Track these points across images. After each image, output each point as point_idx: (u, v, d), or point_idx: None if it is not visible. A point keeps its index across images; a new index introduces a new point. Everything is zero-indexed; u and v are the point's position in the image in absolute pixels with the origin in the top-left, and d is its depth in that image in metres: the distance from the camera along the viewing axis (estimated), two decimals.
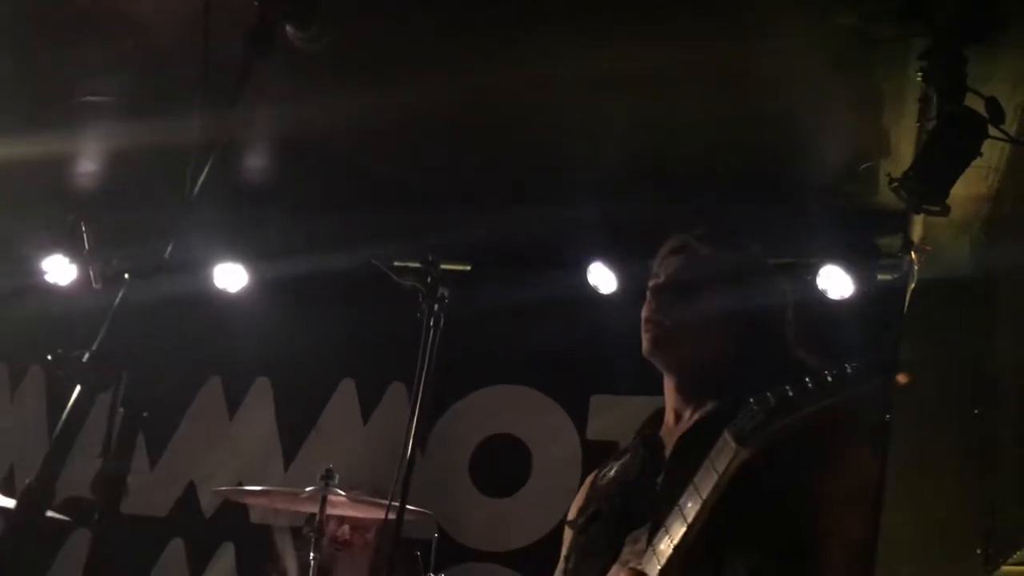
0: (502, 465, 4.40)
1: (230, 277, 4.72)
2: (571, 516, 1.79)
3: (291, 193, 4.27)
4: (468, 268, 2.83)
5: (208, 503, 4.78)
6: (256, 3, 1.33)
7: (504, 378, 4.49)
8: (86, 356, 1.15)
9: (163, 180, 4.23)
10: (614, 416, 4.15)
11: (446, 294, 2.58)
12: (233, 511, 4.67)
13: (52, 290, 4.93)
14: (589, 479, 1.85)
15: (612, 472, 1.77)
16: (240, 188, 4.19)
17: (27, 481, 1.08)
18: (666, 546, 1.39)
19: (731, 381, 1.54)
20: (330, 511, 2.78)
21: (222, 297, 4.73)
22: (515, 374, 4.45)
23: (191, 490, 4.80)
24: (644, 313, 1.67)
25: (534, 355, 4.30)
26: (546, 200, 3.74)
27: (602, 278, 4.19)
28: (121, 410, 1.45)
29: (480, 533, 4.26)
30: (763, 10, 2.72)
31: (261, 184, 4.29)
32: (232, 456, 4.79)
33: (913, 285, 3.85)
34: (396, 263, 2.93)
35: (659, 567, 1.38)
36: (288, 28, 1.34)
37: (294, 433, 4.78)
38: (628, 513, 1.59)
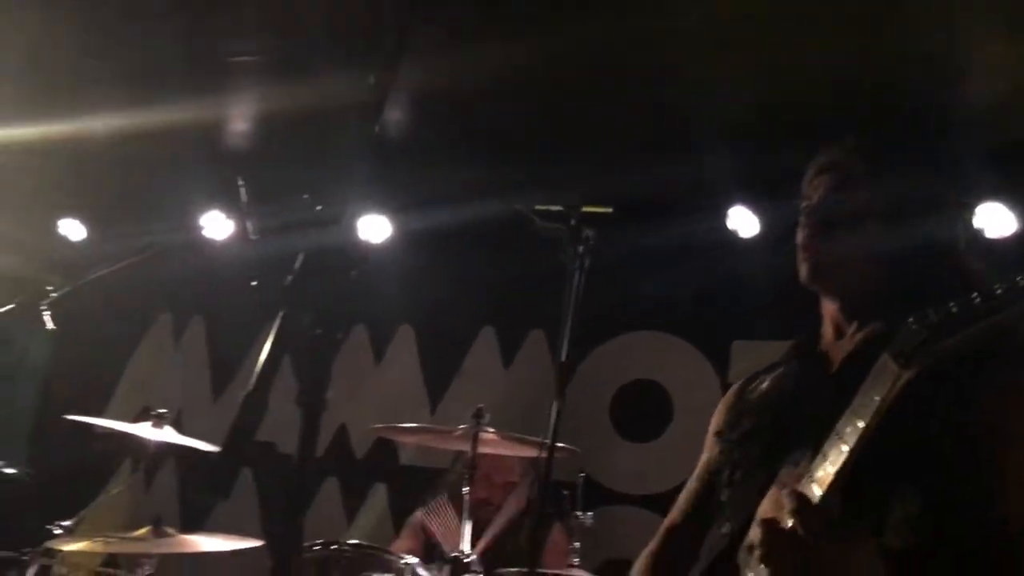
0: (643, 410, 4.43)
1: (374, 228, 4.88)
2: (718, 428, 1.72)
3: (433, 144, 4.36)
4: (610, 211, 2.83)
5: (359, 445, 5.00)
6: None
7: (645, 324, 4.51)
8: (287, 280, 1.21)
9: (312, 136, 4.43)
10: (755, 362, 4.11)
11: (590, 235, 2.60)
12: (383, 453, 4.89)
13: (210, 244, 5.21)
14: (734, 390, 1.76)
15: (765, 385, 1.67)
16: (384, 140, 4.30)
17: (242, 393, 1.14)
18: (825, 473, 1.29)
19: (899, 304, 1.36)
20: (481, 450, 2.88)
21: (367, 248, 4.89)
22: (656, 320, 4.46)
23: (343, 432, 5.03)
24: (799, 239, 1.57)
25: (675, 301, 4.29)
26: (686, 144, 3.70)
27: (743, 222, 4.13)
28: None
29: (622, 477, 4.32)
30: None
31: (404, 136, 4.40)
32: (380, 401, 5.00)
33: None
34: (538, 207, 2.97)
35: (820, 493, 1.29)
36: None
37: (438, 379, 4.94)
38: (785, 431, 1.48)
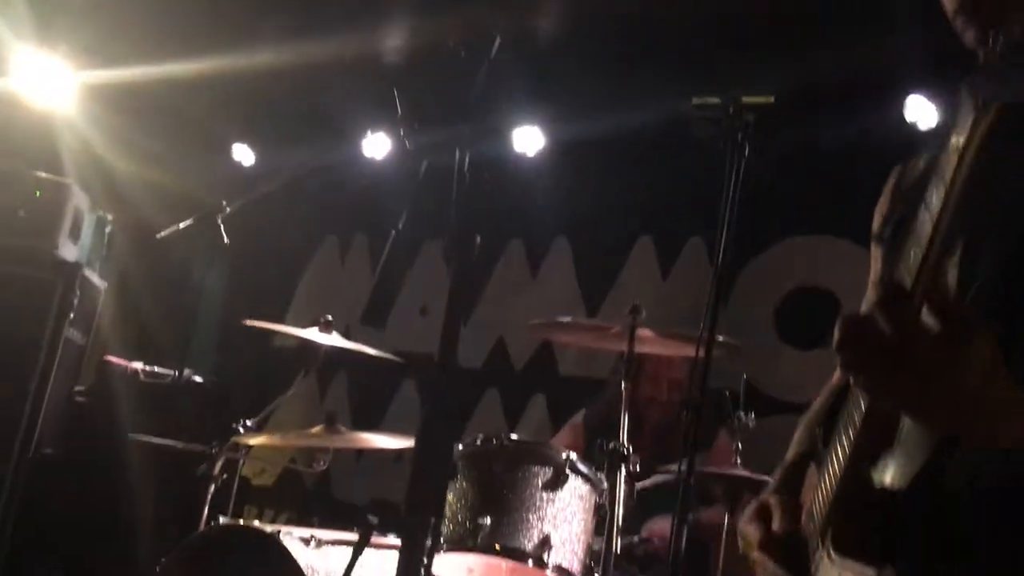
0: (809, 317, 4.30)
1: (528, 140, 4.88)
2: (875, 228, 1.43)
3: (585, 50, 4.30)
4: (771, 100, 2.70)
5: (518, 357, 5.09)
6: None
7: (810, 228, 4.34)
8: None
9: (466, 50, 4.44)
10: None
11: (750, 121, 2.51)
12: (542, 363, 4.95)
13: (372, 165, 5.36)
14: (892, 180, 1.45)
15: (920, 169, 1.36)
16: (533, 52, 4.28)
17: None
18: (914, 257, 1.00)
19: None
20: (639, 348, 2.87)
21: (522, 160, 4.91)
22: (822, 223, 4.28)
23: (501, 344, 5.13)
24: None
25: (843, 202, 4.11)
26: (855, 25, 3.48)
27: (921, 112, 3.86)
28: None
29: (786, 384, 4.23)
30: None
31: (553, 46, 4.36)
32: (537, 313, 5.05)
33: None
34: (695, 101, 2.88)
35: (909, 280, 1.00)
36: None
37: (595, 290, 4.94)
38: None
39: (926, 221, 0.99)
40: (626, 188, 4.74)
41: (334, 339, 3.48)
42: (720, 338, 2.47)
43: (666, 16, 3.88)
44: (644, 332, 2.90)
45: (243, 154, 5.85)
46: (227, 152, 5.85)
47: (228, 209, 3.81)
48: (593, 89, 4.49)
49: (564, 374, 4.92)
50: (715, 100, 2.79)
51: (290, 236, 5.88)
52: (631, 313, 2.88)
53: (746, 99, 2.68)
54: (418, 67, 4.68)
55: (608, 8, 3.97)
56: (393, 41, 4.67)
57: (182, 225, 3.83)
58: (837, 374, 1.52)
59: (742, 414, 3.10)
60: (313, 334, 3.46)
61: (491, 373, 5.08)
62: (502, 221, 5.01)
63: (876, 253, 1.42)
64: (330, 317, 3.56)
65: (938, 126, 3.84)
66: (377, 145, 5.34)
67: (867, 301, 1.44)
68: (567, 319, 3.38)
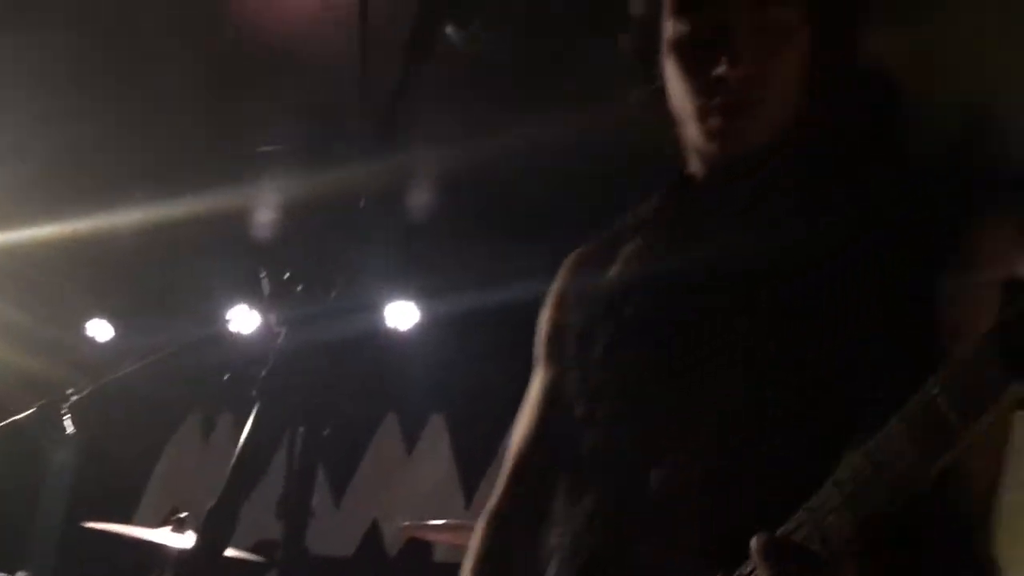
0: None
1: (401, 315, 4.78)
2: (546, 338, 1.34)
3: (458, 227, 4.29)
4: None
5: (392, 542, 4.81)
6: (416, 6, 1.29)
7: None
8: (264, 372, 1.10)
9: (338, 224, 4.38)
10: None
11: None
12: (417, 550, 4.69)
13: (238, 339, 5.14)
14: (568, 272, 1.39)
15: (612, 263, 1.30)
16: (408, 225, 4.25)
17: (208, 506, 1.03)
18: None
19: None
20: None
21: (394, 335, 4.79)
22: None
23: (375, 529, 4.85)
24: None
25: None
26: None
27: None
28: (301, 430, 1.43)
29: None
30: None
31: (429, 220, 4.34)
32: (412, 493, 4.82)
33: None
34: None
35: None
36: (448, 29, 1.28)
37: (473, 468, 4.76)
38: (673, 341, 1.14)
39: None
40: (503, 363, 4.66)
41: (188, 539, 3.19)
42: None
43: (540, 193, 3.92)
44: None
45: (100, 329, 5.53)
46: (82, 328, 5.52)
47: (73, 397, 3.52)
48: (469, 263, 4.47)
49: (441, 559, 4.67)
50: None
51: (148, 416, 5.52)
52: None
53: None
54: (287, 239, 4.59)
55: (481, 182, 3.99)
56: (260, 211, 4.57)
57: (20, 416, 3.50)
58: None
59: None
60: (165, 535, 3.16)
61: (362, 561, 4.78)
62: (375, 397, 4.82)
63: (545, 359, 1.30)
64: (184, 514, 3.27)
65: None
66: (243, 319, 5.14)
67: (529, 422, 1.32)
68: (440, 522, 3.19)
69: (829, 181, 1.08)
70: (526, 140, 3.32)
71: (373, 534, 4.85)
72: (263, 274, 3.90)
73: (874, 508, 0.85)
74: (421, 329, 4.81)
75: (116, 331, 5.52)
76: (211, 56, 3.35)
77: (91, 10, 3.23)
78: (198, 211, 4.26)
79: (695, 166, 1.19)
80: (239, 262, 4.71)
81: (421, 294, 4.76)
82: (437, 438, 4.95)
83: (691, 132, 1.14)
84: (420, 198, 4.30)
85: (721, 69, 1.05)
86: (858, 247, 1.01)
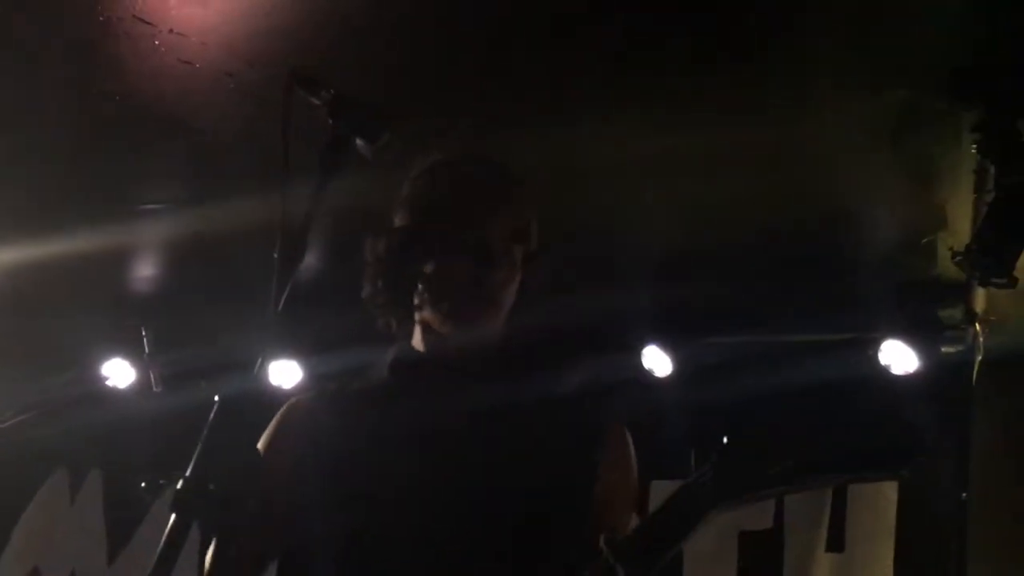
0: None
1: (283, 374, 4.73)
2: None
3: (343, 287, 4.30)
4: None
5: None
6: (330, 122, 1.39)
7: None
8: (180, 483, 1.13)
9: (219, 281, 4.34)
10: None
11: None
12: None
13: (112, 394, 4.98)
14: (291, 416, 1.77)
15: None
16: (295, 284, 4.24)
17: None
18: None
19: None
20: None
21: (276, 394, 4.74)
22: None
23: None
24: None
25: None
26: (607, 282, 3.71)
27: (656, 360, 4.14)
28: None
29: None
30: (810, 88, 2.73)
31: (312, 279, 4.33)
32: None
33: (980, 357, 3.75)
34: None
35: None
36: (358, 141, 1.40)
37: None
38: None
39: None
40: None
41: None
42: None
43: None
44: None
45: None
46: None
47: None
48: (354, 324, 4.46)
49: None
50: None
51: (10, 472, 5.27)
52: None
53: None
54: (167, 294, 4.51)
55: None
56: (139, 266, 4.48)
57: None
58: None
59: None
60: None
61: None
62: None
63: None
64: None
65: None
66: (117, 373, 4.99)
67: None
68: None
69: (525, 375, 1.53)
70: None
71: None
72: (143, 331, 3.85)
73: None
74: (299, 389, 4.77)
75: None
76: (100, 109, 3.31)
77: None
78: (72, 262, 4.16)
79: (417, 341, 1.61)
80: (115, 315, 4.60)
81: (304, 353, 4.73)
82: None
83: (430, 318, 1.57)
84: (308, 256, 4.31)
85: (470, 275, 1.54)
86: (540, 428, 1.46)
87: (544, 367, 1.58)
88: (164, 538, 1.12)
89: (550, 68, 2.73)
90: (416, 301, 1.56)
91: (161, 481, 1.21)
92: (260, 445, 1.54)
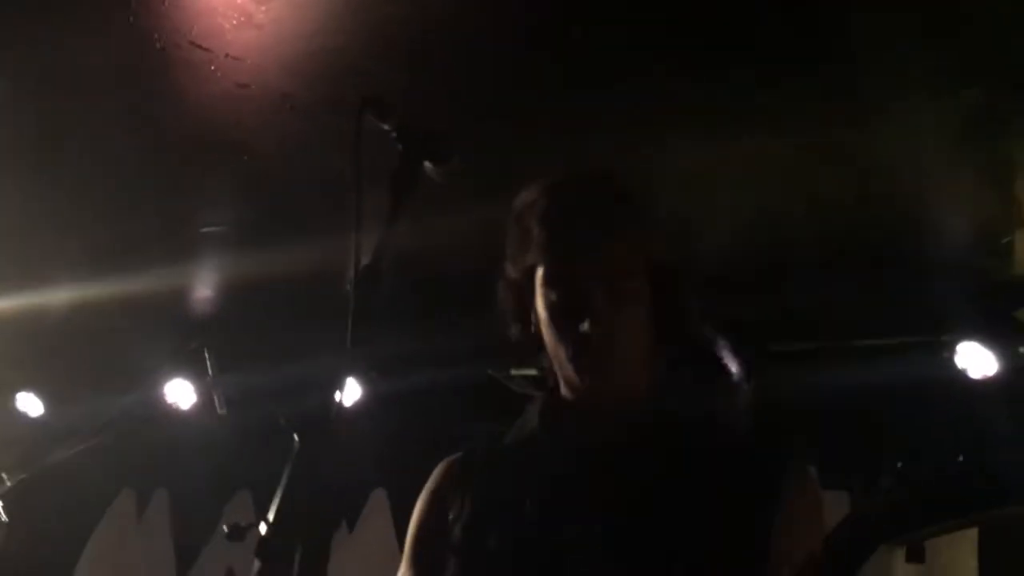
0: None
1: (347, 393, 4.73)
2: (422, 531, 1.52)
3: (402, 304, 4.28)
4: None
5: None
6: (400, 147, 1.34)
7: None
8: (265, 529, 1.10)
9: (282, 305, 4.35)
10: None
11: None
12: None
13: (175, 415, 5.02)
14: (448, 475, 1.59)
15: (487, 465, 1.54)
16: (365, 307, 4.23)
17: None
18: None
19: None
20: None
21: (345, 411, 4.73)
22: None
23: None
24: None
25: None
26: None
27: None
28: None
29: None
30: (885, 89, 2.64)
31: (368, 291, 4.32)
32: (354, 572, 4.74)
33: None
34: (513, 372, 2.87)
35: None
36: (427, 164, 1.34)
37: None
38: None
39: None
40: (454, 439, 4.64)
41: None
42: None
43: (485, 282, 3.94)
44: None
45: (31, 404, 5.36)
46: (12, 402, 5.35)
47: (7, 482, 3.41)
48: (410, 341, 4.45)
49: None
50: (534, 371, 2.78)
51: (80, 494, 5.34)
52: None
53: None
54: (230, 316, 4.53)
55: (428, 266, 4.01)
56: (202, 290, 4.51)
57: None
58: None
59: None
60: None
61: None
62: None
63: (418, 557, 1.46)
64: None
65: None
66: (180, 393, 5.03)
67: None
68: None
69: (677, 436, 1.36)
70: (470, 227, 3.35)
71: None
72: (207, 353, 3.87)
73: None
74: (364, 405, 4.77)
75: (47, 406, 5.35)
76: (160, 136, 3.33)
77: (31, 89, 3.21)
78: (135, 286, 4.20)
79: (565, 391, 1.44)
80: (177, 336, 4.64)
81: (363, 369, 4.73)
82: (379, 513, 4.90)
83: (565, 372, 1.40)
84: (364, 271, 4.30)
85: (585, 326, 1.33)
86: (699, 507, 1.28)
87: (700, 415, 1.39)
88: None
89: (625, 82, 2.67)
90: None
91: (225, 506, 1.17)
92: (420, 505, 1.52)
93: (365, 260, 1.35)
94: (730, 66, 2.53)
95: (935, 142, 2.84)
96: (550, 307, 1.38)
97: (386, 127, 1.36)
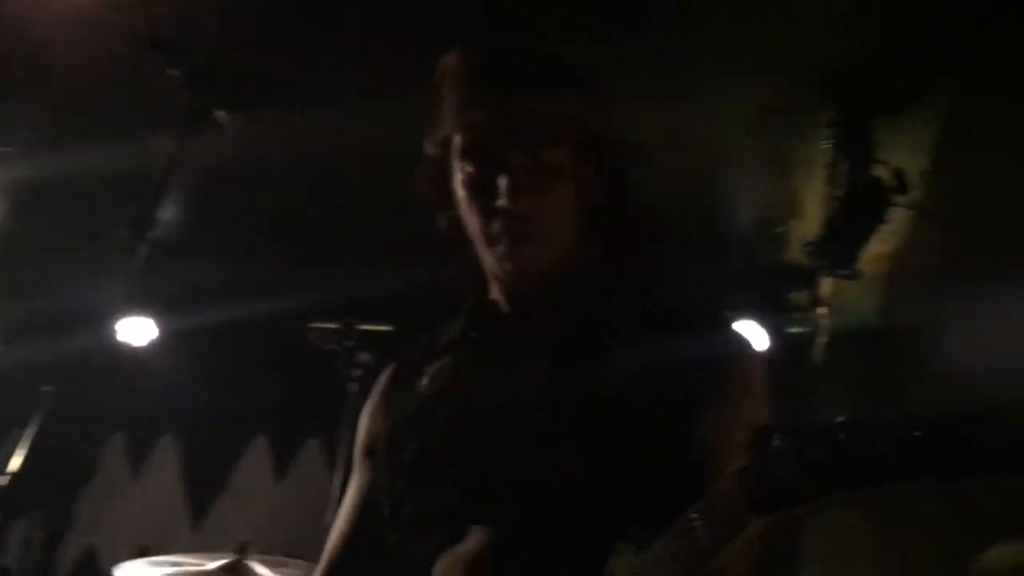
0: None
1: (137, 330, 4.55)
2: (368, 445, 1.41)
3: (204, 242, 4.17)
4: (391, 329, 2.73)
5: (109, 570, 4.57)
6: (187, 93, 1.31)
7: None
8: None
9: (65, 228, 4.12)
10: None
11: (368, 359, 2.52)
12: None
13: None
14: (383, 388, 1.46)
15: (424, 383, 1.41)
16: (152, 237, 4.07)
17: None
18: None
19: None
20: None
21: (127, 351, 4.56)
22: None
23: (91, 556, 4.59)
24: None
25: None
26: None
27: None
28: None
29: None
30: (687, 80, 2.79)
31: (173, 233, 4.17)
32: (137, 518, 4.62)
33: (825, 339, 3.96)
34: (312, 325, 2.87)
35: None
36: (219, 113, 1.33)
37: (202, 494, 4.63)
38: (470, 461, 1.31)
39: None
40: (242, 386, 4.57)
41: None
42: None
43: (292, 220, 3.90)
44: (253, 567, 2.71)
45: None
46: None
47: None
48: (211, 282, 4.33)
49: None
50: (333, 325, 2.79)
51: None
52: (238, 552, 2.67)
53: (365, 327, 2.71)
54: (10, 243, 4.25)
55: (229, 199, 3.91)
56: None
57: None
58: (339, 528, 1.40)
59: None
60: None
61: None
62: (103, 415, 4.58)
63: (365, 466, 1.38)
64: None
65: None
66: None
67: (344, 522, 1.39)
68: (161, 558, 3.07)
69: (607, 315, 1.25)
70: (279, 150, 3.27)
71: (89, 559, 4.58)
72: None
73: None
74: (156, 346, 4.62)
75: None
76: None
77: None
78: None
79: (494, 291, 1.32)
80: None
81: (158, 309, 4.56)
82: (166, 459, 4.77)
83: (485, 258, 1.28)
84: (167, 208, 4.15)
85: (502, 202, 1.20)
86: (635, 381, 1.17)
87: (629, 316, 1.24)
88: None
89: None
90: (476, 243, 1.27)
91: None
92: (363, 414, 1.41)
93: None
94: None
95: (726, 133, 3.03)
96: (467, 181, 1.24)
97: (174, 72, 1.33)
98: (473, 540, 1.18)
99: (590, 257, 1.28)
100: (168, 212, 4.15)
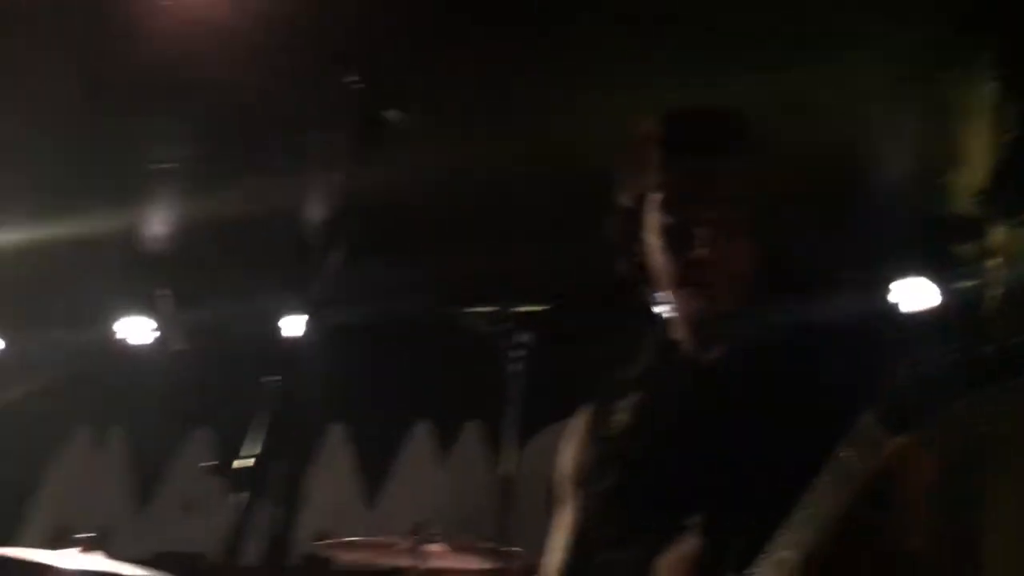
0: None
1: (300, 327, 4.74)
2: (571, 470, 1.58)
3: (359, 242, 4.29)
4: (547, 308, 2.74)
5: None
6: (361, 95, 1.37)
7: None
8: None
9: (234, 244, 4.33)
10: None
11: (526, 340, 2.53)
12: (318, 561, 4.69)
13: (130, 352, 5.00)
14: (585, 427, 1.60)
15: (624, 418, 1.57)
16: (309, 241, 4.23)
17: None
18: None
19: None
20: (428, 564, 2.76)
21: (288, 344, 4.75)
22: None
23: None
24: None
25: None
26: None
27: None
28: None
29: None
30: (831, 30, 2.70)
31: (328, 236, 4.32)
32: (311, 506, 4.82)
33: (998, 293, 3.76)
34: (468, 310, 2.91)
35: None
36: (391, 113, 1.37)
37: (373, 479, 4.80)
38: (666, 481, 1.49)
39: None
40: (402, 373, 4.70)
41: (93, 561, 3.12)
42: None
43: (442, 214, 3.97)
44: (433, 548, 2.80)
45: None
46: None
47: None
48: (362, 276, 4.46)
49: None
50: (489, 309, 2.82)
51: (34, 433, 5.31)
52: (414, 533, 2.76)
53: (521, 308, 2.72)
54: (183, 253, 4.50)
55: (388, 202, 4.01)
56: (156, 228, 4.47)
57: None
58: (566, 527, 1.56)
59: None
60: (66, 557, 3.09)
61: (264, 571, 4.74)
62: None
63: (572, 493, 1.55)
64: (88, 535, 3.21)
65: None
66: (134, 330, 5.00)
67: (560, 547, 1.55)
68: (348, 539, 3.21)
69: (777, 351, 1.41)
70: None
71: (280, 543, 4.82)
72: (163, 292, 3.85)
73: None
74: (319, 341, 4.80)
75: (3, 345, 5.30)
76: (103, 72, 3.28)
77: None
78: (86, 225, 4.16)
79: (675, 331, 1.50)
80: (132, 274, 4.61)
81: (319, 307, 4.74)
82: (336, 449, 4.96)
83: (675, 298, 1.46)
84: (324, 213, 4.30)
85: (698, 252, 1.40)
86: (810, 406, 1.33)
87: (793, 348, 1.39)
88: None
89: None
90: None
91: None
92: (569, 449, 1.58)
93: (328, 202, 1.38)
94: None
95: (881, 83, 2.91)
96: (663, 231, 1.43)
97: (351, 77, 1.38)
98: (687, 545, 1.35)
99: (762, 298, 1.45)
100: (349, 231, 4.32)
